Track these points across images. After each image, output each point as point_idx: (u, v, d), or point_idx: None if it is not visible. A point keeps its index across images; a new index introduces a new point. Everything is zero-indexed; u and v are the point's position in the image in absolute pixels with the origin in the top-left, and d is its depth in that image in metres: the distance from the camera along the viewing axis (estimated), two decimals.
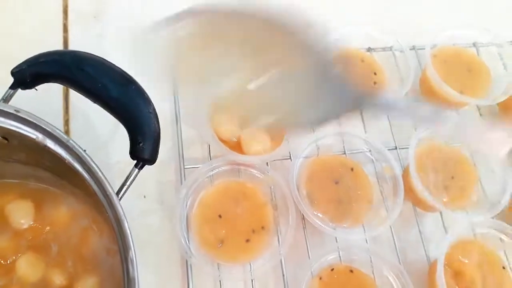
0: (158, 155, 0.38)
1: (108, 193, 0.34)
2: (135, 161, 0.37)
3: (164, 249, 0.49)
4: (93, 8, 0.60)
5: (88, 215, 0.46)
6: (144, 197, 0.51)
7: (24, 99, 0.38)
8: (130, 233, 0.33)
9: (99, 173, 0.34)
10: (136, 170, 0.36)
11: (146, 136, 0.36)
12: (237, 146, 0.48)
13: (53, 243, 0.45)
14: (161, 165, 0.51)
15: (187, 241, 0.45)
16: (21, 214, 0.45)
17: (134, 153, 0.36)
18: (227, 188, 0.49)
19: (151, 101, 0.37)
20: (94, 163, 0.34)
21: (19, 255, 0.43)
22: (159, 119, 0.38)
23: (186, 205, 0.48)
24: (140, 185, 0.41)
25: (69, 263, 0.44)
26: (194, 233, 0.46)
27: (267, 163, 0.50)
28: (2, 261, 0.43)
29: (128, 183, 0.36)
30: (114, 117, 0.36)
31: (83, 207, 0.46)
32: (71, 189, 0.45)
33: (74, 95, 0.54)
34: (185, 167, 0.51)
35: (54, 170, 0.43)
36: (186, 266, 0.47)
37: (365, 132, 0.55)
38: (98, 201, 0.36)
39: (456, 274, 0.47)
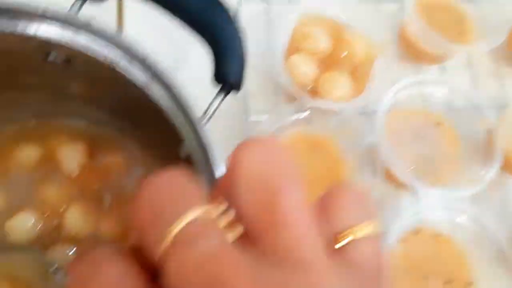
0: (221, 106, 0.33)
1: (192, 117, 0.29)
2: (217, 89, 0.32)
3: None
4: None
5: (147, 163, 0.41)
6: None
7: None
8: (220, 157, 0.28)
9: (182, 95, 0.29)
10: (221, 95, 0.31)
11: (232, 58, 0.31)
12: (312, 94, 0.43)
13: (106, 194, 0.41)
14: (223, 118, 0.46)
15: None
16: (73, 159, 0.41)
17: (219, 76, 0.31)
18: (300, 141, 0.44)
19: (235, 18, 0.32)
20: (177, 83, 0.29)
21: (68, 205, 0.39)
22: None
23: None
24: None
25: (123, 216, 0.40)
26: None
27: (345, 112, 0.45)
28: (49, 213, 0.39)
29: (211, 110, 0.31)
30: (195, 33, 0.31)
31: (142, 153, 0.41)
32: (132, 132, 0.40)
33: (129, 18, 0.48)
34: (251, 119, 0.46)
35: (116, 108, 0.38)
36: None
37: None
38: (171, 136, 0.31)
39: None
